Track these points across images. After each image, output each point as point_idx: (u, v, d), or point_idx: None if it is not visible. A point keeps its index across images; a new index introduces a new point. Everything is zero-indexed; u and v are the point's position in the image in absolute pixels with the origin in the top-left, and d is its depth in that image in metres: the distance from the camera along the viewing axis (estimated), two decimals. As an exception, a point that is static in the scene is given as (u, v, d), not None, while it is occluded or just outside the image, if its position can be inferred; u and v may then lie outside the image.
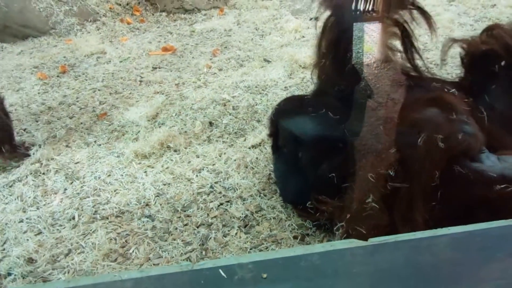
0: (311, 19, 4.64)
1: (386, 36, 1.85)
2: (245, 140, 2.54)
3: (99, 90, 3.32)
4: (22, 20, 4.52)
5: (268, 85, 3.18)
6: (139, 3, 5.51)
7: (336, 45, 1.91)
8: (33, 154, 2.50)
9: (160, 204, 2.10)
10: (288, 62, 3.54)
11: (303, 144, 1.88)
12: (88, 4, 5.22)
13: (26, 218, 2.05)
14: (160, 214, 2.05)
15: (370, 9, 1.86)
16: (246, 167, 2.31)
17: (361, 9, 1.85)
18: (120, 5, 5.47)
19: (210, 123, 2.72)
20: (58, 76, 3.65)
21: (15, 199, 2.18)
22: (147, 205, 2.12)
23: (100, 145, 2.60)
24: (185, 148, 2.50)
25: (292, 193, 2.03)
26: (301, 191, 1.92)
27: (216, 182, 2.21)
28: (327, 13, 1.93)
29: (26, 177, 2.34)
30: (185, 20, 5.04)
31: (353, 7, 1.85)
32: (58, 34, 4.68)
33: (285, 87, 3.15)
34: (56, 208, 2.13)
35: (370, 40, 1.87)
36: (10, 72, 3.75)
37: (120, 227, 2.01)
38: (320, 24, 1.97)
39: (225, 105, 2.93)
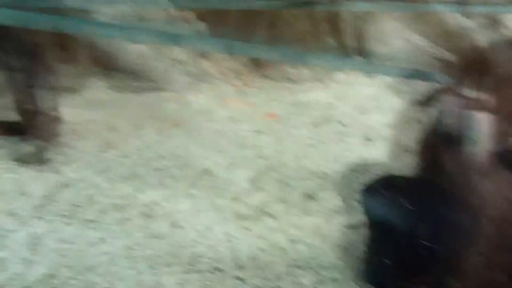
0: (417, 102, 4.62)
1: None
2: (343, 218, 2.53)
3: (205, 146, 3.56)
4: (145, 75, 5.10)
5: (368, 164, 3.18)
6: (247, 68, 5.93)
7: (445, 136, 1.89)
8: (140, 198, 2.72)
9: (253, 269, 2.14)
10: (390, 142, 3.51)
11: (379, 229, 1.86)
12: (203, 66, 5.75)
13: (132, 256, 2.20)
14: (252, 279, 2.07)
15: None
16: (343, 247, 2.28)
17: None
18: (230, 69, 5.94)
19: (309, 196, 2.76)
20: (170, 128, 3.99)
21: (124, 237, 2.36)
22: (240, 267, 2.16)
23: (202, 198, 2.75)
24: (283, 216, 2.55)
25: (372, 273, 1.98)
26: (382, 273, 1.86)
27: (310, 258, 2.21)
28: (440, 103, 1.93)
29: (135, 217, 2.53)
30: (289, 89, 5.29)
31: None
32: (173, 90, 5.17)
33: (385, 168, 3.12)
34: (157, 252, 2.26)
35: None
36: (131, 119, 4.18)
37: (213, 283, 2.07)
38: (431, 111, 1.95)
39: (324, 178, 2.97)
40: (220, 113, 4.44)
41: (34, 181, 2.92)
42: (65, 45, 4.99)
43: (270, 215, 2.55)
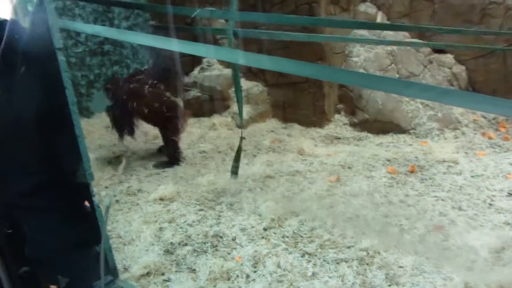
0: None
1: None
2: None
3: (442, 200, 3.19)
4: (390, 117, 5.01)
5: None
6: (507, 119, 5.10)
7: None
8: (361, 241, 2.62)
9: None
10: None
11: None
12: (453, 113, 5.25)
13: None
14: None
15: None
16: None
17: None
18: (485, 118, 5.23)
19: None
20: (405, 174, 3.76)
21: (337, 277, 2.31)
22: None
23: (427, 258, 2.44)
24: (532, 306, 2.01)
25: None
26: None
27: None
28: None
29: (352, 260, 2.45)
30: (562, 149, 4.27)
31: None
32: (416, 135, 4.90)
33: None
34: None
35: None
36: (366, 159, 4.17)
37: None
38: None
39: None
40: (466, 166, 3.92)
41: (264, 203, 3.23)
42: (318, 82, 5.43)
43: (514, 300, 2.05)
